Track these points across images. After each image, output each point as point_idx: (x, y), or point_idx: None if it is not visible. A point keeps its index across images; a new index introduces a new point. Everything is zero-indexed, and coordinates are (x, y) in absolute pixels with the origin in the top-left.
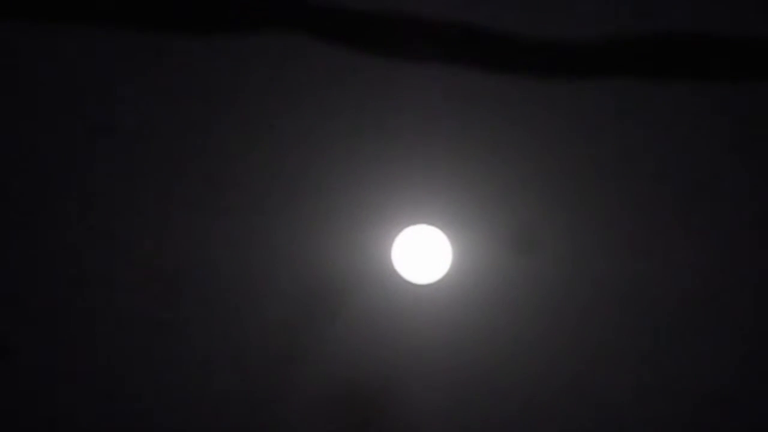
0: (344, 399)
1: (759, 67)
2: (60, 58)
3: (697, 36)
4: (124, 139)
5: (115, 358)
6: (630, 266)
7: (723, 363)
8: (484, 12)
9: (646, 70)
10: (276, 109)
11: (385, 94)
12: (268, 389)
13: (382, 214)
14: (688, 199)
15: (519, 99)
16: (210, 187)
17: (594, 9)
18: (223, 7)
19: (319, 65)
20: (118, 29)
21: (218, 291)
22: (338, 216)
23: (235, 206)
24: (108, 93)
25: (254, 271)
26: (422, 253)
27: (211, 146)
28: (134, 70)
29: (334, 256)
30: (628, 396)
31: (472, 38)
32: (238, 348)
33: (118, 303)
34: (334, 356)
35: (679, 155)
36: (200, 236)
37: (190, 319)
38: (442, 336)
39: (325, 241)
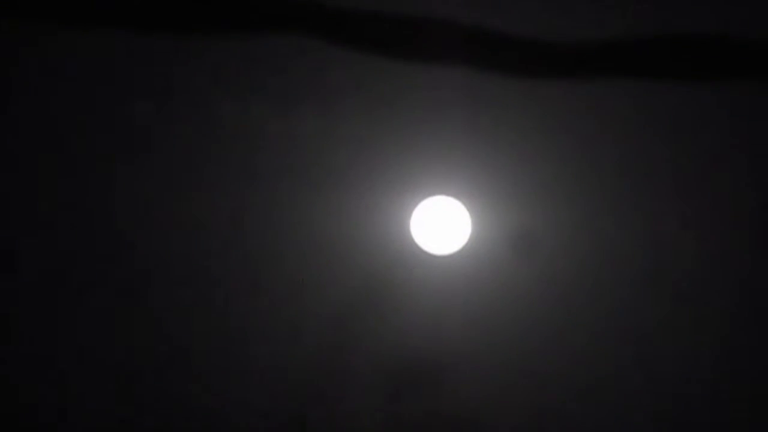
0: (366, 367)
1: (759, 67)
2: (62, 59)
3: (697, 36)
4: (125, 138)
5: (172, 332)
6: (638, 239)
7: (720, 358)
8: (484, 11)
9: (647, 70)
10: (284, 100)
11: (394, 83)
12: (303, 358)
13: (402, 185)
14: (690, 197)
15: (524, 87)
16: (229, 174)
17: (596, 10)
18: (227, 8)
19: (321, 63)
20: (119, 31)
21: (246, 264)
22: (358, 187)
23: (252, 190)
24: (108, 92)
25: (278, 244)
26: (441, 224)
27: (224, 134)
28: (136, 71)
29: (354, 226)
30: (636, 366)
31: (472, 37)
32: (269, 314)
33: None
34: (353, 327)
35: (680, 154)
36: (226, 218)
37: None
38: (460, 306)
39: (345, 212)
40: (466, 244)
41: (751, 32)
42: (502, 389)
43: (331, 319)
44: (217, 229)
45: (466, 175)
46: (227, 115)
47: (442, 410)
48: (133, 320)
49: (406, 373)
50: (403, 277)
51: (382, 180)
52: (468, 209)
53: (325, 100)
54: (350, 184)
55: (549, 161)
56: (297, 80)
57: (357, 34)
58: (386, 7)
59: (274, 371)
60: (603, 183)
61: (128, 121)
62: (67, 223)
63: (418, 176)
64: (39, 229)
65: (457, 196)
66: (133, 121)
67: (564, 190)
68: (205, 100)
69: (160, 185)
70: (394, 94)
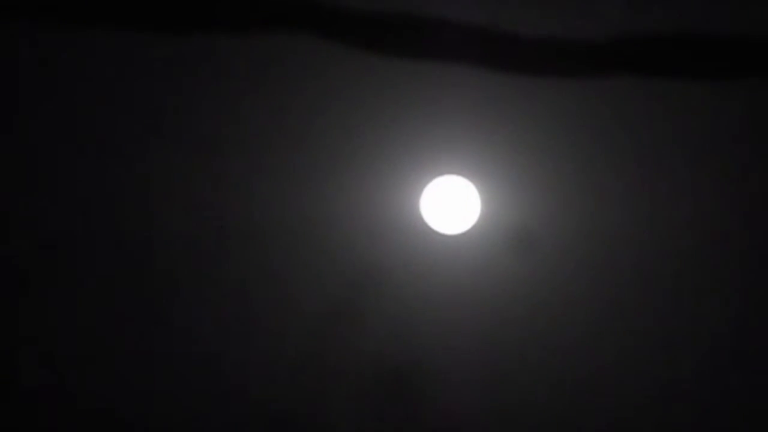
0: (374, 346)
1: (759, 67)
2: (62, 58)
3: (697, 35)
4: (126, 137)
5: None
6: (642, 229)
7: (718, 357)
8: (483, 11)
9: (661, 67)
10: (285, 96)
11: (402, 73)
12: (305, 341)
13: (411, 164)
14: (690, 195)
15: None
16: (234, 168)
17: (596, 9)
18: (227, 7)
19: (325, 60)
20: (119, 30)
21: (256, 246)
22: (368, 166)
23: (257, 183)
24: (109, 91)
25: (288, 225)
26: (451, 204)
27: (228, 130)
28: (136, 71)
29: (364, 205)
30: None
31: (472, 37)
32: (275, 293)
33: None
34: (362, 306)
35: (679, 152)
36: (234, 207)
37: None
38: (470, 285)
39: (355, 191)
40: (475, 224)
41: (754, 30)
42: (508, 371)
43: (339, 298)
44: (225, 217)
45: (476, 154)
46: (231, 112)
47: (448, 390)
48: (134, 296)
49: (413, 354)
50: (413, 256)
51: (392, 159)
52: (478, 189)
53: (330, 94)
54: (362, 162)
55: (560, 145)
56: (299, 77)
57: (359, 31)
58: (387, 6)
59: (274, 353)
60: (612, 168)
61: (129, 120)
62: (71, 220)
63: (427, 155)
64: (40, 223)
65: (466, 175)
66: (134, 120)
67: (575, 174)
68: (206, 99)
69: (162, 183)
70: (400, 83)
